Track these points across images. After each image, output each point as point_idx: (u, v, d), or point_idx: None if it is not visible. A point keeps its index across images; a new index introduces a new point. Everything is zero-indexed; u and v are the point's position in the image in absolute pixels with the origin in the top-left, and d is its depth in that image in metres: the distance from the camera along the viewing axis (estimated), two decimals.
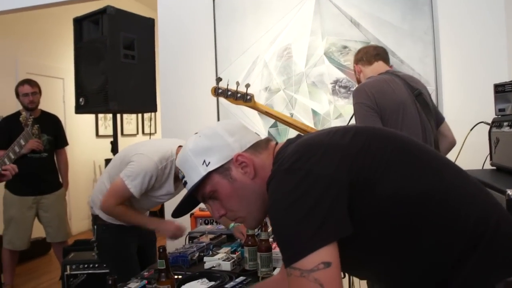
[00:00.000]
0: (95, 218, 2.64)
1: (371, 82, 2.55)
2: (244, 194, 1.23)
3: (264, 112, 2.79)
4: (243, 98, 2.66)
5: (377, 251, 1.10)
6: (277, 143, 1.31)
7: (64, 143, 4.73)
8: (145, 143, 2.63)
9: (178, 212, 1.39)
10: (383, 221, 1.05)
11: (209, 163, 1.23)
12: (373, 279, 1.42)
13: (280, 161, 1.11)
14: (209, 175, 1.23)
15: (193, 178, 1.25)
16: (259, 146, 1.28)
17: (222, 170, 1.23)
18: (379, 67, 2.69)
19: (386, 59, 2.75)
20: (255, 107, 2.71)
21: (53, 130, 4.55)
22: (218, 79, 2.66)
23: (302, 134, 1.24)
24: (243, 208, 1.25)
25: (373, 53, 2.72)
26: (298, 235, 0.98)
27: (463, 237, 1.05)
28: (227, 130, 1.29)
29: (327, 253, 0.96)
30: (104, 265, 3.25)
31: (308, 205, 0.99)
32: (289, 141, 1.23)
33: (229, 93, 2.66)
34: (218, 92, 2.66)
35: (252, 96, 2.67)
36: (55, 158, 4.64)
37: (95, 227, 2.65)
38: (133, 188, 2.39)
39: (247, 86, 2.66)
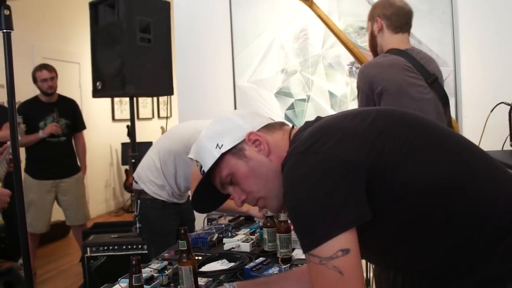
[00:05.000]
0: (139, 193, 2.75)
1: (377, 66, 2.37)
2: (261, 172, 1.21)
3: (318, 16, 2.91)
4: None
5: (396, 239, 1.07)
6: (293, 127, 1.29)
7: (82, 127, 4.77)
8: (198, 122, 2.75)
9: (199, 204, 1.39)
10: (402, 208, 1.02)
11: (222, 145, 1.22)
12: (393, 268, 1.40)
13: (296, 143, 1.09)
14: (223, 157, 1.22)
15: (208, 163, 1.24)
16: (272, 126, 1.27)
17: (236, 151, 1.22)
18: (402, 40, 2.43)
19: (409, 33, 2.51)
20: (310, 6, 2.90)
21: (71, 114, 4.58)
22: None
23: (321, 116, 1.21)
24: (262, 188, 1.21)
25: (404, 21, 2.43)
26: (316, 221, 0.97)
27: (490, 227, 1.01)
28: (238, 114, 1.30)
29: (346, 240, 0.95)
30: (143, 239, 3.21)
31: (325, 191, 0.97)
32: (307, 124, 1.20)
33: None
34: None
35: None
36: (73, 142, 4.68)
37: (139, 201, 2.74)
38: None
39: None
